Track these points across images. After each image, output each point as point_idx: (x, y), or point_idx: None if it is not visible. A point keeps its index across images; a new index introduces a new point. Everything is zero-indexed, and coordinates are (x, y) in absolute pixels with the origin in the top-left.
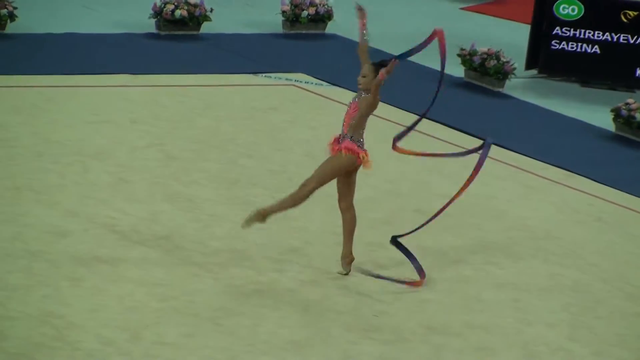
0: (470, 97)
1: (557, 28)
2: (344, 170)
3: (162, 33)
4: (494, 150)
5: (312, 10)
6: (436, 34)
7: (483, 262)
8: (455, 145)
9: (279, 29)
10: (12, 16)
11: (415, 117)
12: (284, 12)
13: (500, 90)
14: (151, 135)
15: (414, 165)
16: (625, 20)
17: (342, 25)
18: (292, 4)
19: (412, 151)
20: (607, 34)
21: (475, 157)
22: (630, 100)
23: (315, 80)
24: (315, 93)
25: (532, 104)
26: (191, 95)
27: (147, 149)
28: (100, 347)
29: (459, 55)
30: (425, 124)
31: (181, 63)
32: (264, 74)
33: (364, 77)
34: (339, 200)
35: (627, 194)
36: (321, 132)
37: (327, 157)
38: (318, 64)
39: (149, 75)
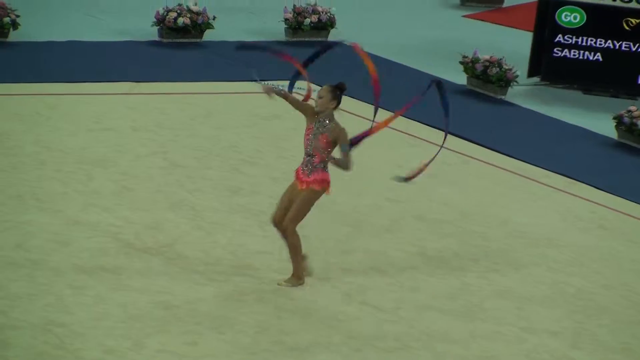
0: (472, 105)
1: (560, 35)
2: (317, 200)
3: (165, 41)
4: (497, 158)
5: (314, 18)
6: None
7: (486, 269)
8: (457, 152)
9: (282, 37)
10: (14, 24)
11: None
12: (286, 19)
13: (503, 97)
14: (154, 143)
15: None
16: (627, 27)
17: (345, 32)
18: (294, 12)
19: (419, 170)
20: (609, 41)
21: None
22: (632, 108)
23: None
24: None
25: (534, 112)
26: (194, 102)
27: (150, 157)
28: (103, 356)
29: (461, 62)
30: (426, 131)
31: (184, 71)
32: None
33: (320, 98)
34: (286, 220)
35: (630, 201)
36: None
37: (302, 193)
38: (320, 71)
39: (152, 83)
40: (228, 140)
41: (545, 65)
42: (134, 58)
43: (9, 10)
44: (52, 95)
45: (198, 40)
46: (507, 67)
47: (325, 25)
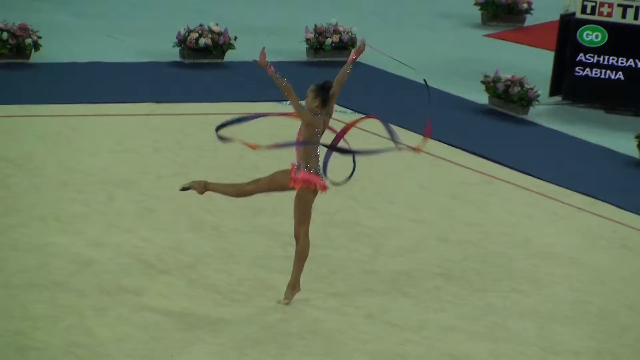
0: (494, 124)
1: (581, 54)
2: (312, 199)
3: (186, 61)
4: (519, 177)
5: (335, 38)
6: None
7: (508, 289)
8: (479, 171)
9: (303, 57)
10: (36, 45)
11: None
12: (307, 39)
13: (524, 117)
14: (175, 164)
15: (437, 193)
16: None
17: (366, 52)
18: (315, 32)
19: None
20: (630, 60)
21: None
22: None
23: (339, 108)
24: (338, 120)
25: (556, 131)
26: (215, 123)
27: (172, 178)
28: None
29: (482, 82)
30: (447, 151)
31: (205, 91)
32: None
33: (306, 98)
34: (295, 227)
35: None
36: (346, 160)
37: (295, 194)
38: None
39: (173, 104)
40: (250, 161)
41: (567, 85)
42: (156, 79)
43: (30, 32)
44: (74, 116)
45: (219, 60)
46: (528, 87)
47: (346, 45)
